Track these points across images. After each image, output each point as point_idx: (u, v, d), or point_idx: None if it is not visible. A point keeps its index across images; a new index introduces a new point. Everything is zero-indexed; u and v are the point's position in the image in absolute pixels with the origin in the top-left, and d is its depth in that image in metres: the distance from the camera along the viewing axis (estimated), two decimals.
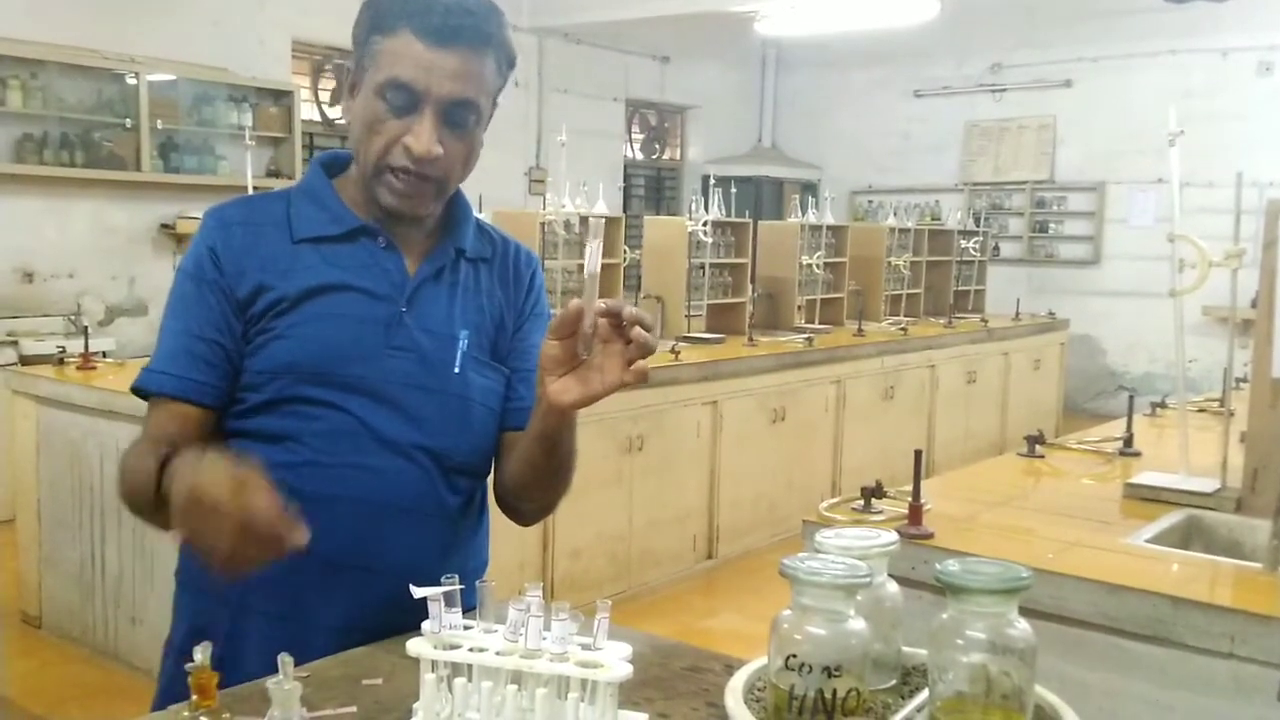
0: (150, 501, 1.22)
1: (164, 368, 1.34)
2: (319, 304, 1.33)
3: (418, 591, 1.02)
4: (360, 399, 1.33)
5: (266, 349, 1.33)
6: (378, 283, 1.36)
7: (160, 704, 1.31)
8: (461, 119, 1.32)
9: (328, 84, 7.92)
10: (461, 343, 1.38)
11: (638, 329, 1.15)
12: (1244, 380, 3.10)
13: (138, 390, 1.36)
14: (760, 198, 10.42)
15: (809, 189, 10.31)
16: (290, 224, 1.37)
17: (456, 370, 1.37)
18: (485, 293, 1.44)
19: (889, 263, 7.25)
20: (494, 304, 1.44)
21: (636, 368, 1.16)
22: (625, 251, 5.60)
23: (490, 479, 1.48)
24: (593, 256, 1.13)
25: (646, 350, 1.16)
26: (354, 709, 1.10)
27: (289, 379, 1.32)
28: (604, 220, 1.07)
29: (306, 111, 7.37)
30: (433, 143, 1.29)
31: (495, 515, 1.52)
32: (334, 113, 7.91)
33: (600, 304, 1.14)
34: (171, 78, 6.42)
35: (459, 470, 1.39)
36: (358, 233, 1.37)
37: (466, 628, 1.04)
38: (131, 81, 6.18)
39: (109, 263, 6.34)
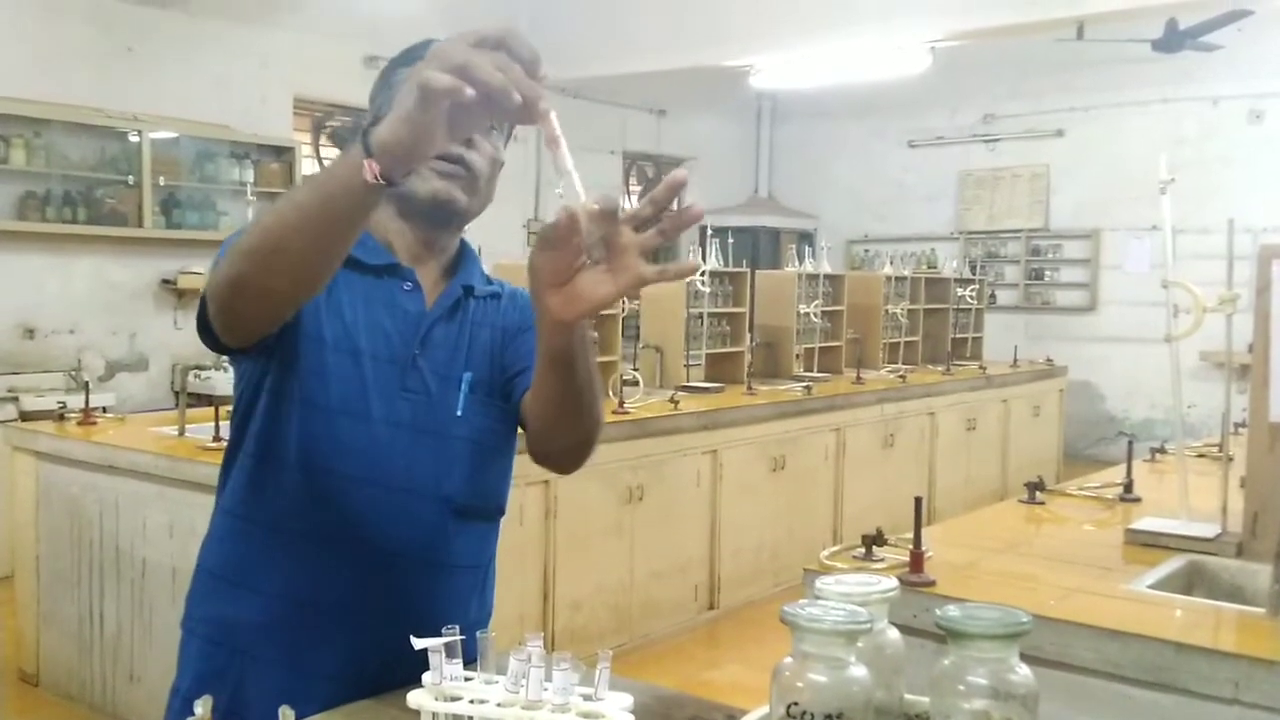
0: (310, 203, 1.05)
1: None
2: (345, 337, 1.33)
3: (418, 643, 1.02)
4: (369, 440, 1.33)
5: (292, 368, 1.31)
6: (399, 324, 1.37)
7: None
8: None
9: (329, 141, 8.00)
10: (464, 386, 1.38)
11: (667, 217, 0.99)
12: (1242, 425, 3.10)
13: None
14: (757, 247, 10.49)
15: (805, 238, 10.38)
16: None
17: (459, 413, 1.37)
18: (490, 325, 1.44)
19: (886, 311, 7.28)
20: (498, 327, 1.44)
21: (677, 267, 1.02)
22: (624, 301, 5.62)
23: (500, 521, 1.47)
24: (559, 147, 0.95)
25: (689, 221, 0.99)
26: None
27: (306, 409, 1.32)
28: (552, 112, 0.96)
29: (308, 167, 7.43)
30: None
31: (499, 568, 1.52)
32: None
33: (593, 206, 0.97)
34: (174, 135, 6.49)
35: (465, 514, 1.39)
36: (387, 270, 1.39)
37: (467, 679, 1.03)
38: (134, 139, 6.24)
39: (110, 318, 6.37)
